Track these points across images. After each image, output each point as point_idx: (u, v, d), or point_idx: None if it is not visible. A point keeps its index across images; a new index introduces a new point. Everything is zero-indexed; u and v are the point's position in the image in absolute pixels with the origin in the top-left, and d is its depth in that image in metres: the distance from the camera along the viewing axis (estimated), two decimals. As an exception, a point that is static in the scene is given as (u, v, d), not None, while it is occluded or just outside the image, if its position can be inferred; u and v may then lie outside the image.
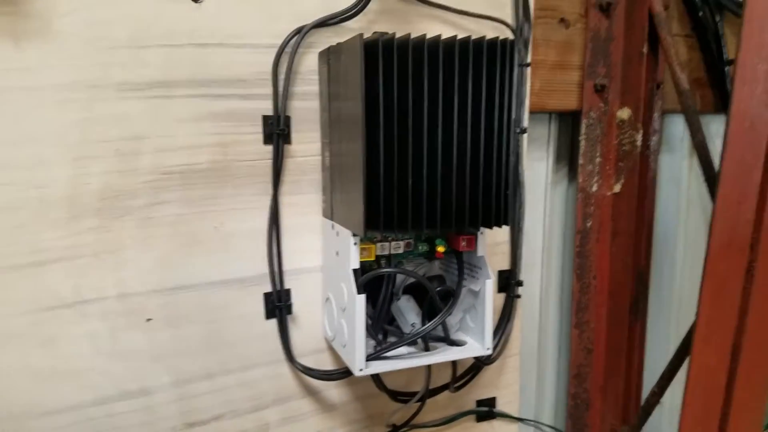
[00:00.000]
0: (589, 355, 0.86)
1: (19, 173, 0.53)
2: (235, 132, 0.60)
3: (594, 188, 0.83)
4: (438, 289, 0.60)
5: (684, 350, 0.75)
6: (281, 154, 0.61)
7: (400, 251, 0.59)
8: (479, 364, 0.73)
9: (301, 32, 0.60)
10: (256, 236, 0.62)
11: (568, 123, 0.87)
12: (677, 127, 0.94)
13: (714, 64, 0.90)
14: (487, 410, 0.79)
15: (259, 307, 0.64)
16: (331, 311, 0.62)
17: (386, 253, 0.58)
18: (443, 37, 0.51)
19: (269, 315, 0.64)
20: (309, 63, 0.61)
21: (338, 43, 0.56)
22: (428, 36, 0.51)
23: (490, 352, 0.61)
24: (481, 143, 0.54)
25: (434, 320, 0.58)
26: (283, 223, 0.63)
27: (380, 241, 0.57)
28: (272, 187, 0.62)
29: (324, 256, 0.65)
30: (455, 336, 0.63)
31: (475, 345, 0.62)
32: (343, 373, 0.66)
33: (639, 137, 0.81)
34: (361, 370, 0.56)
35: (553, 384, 0.94)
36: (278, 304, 0.64)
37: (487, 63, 0.53)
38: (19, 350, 0.55)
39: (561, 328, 0.92)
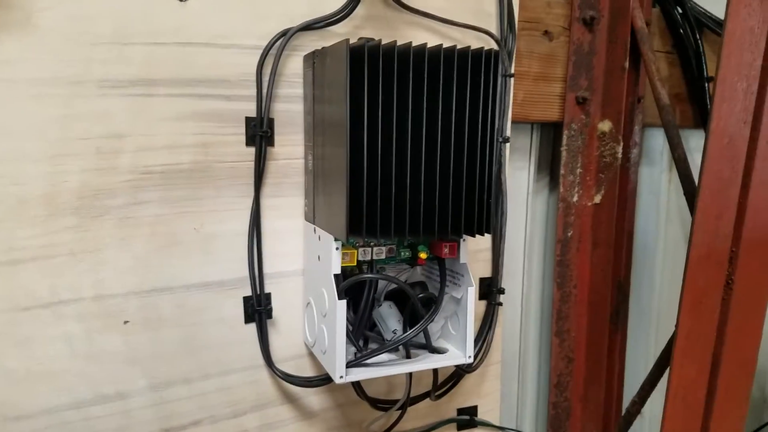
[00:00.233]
0: (569, 364, 0.86)
1: (-5, 169, 0.52)
2: (217, 133, 0.59)
3: (575, 198, 0.84)
4: (420, 295, 0.60)
5: (664, 362, 0.75)
6: (264, 156, 0.61)
7: (383, 257, 0.59)
8: (460, 371, 0.73)
9: (286, 35, 0.60)
10: (236, 238, 0.62)
11: (550, 133, 0.88)
12: (657, 141, 0.96)
13: (694, 80, 0.92)
14: (468, 418, 0.79)
15: (239, 310, 0.63)
16: (312, 316, 0.61)
17: (368, 258, 0.58)
18: (429, 45, 0.52)
19: (249, 319, 0.63)
20: (294, 66, 0.61)
21: (324, 47, 0.56)
22: (414, 44, 0.51)
23: (471, 360, 0.61)
24: (464, 151, 0.54)
25: (416, 327, 0.58)
26: (265, 225, 0.62)
27: (362, 246, 0.57)
28: (254, 189, 0.61)
29: (305, 260, 0.64)
30: (437, 343, 0.63)
31: (456, 353, 0.62)
32: (323, 380, 0.66)
33: (619, 149, 0.82)
34: (341, 377, 0.55)
35: (534, 392, 0.95)
36: (258, 308, 0.63)
37: (471, 73, 0.53)
38: (-8, 351, 0.54)
39: (542, 336, 0.93)
